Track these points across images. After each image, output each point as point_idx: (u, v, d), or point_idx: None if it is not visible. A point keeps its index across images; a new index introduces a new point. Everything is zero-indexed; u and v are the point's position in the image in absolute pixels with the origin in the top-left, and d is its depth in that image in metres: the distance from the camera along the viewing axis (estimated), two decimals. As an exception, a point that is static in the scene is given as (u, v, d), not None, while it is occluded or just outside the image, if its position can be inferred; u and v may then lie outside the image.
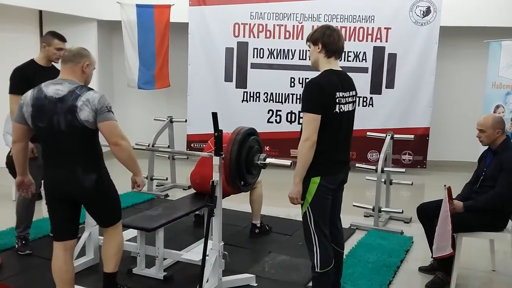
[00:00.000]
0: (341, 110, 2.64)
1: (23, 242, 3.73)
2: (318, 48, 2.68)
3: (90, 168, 2.62)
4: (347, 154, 2.83)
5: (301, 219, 2.74)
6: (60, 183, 2.62)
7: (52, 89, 2.55)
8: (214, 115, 2.93)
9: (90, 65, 2.69)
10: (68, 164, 2.58)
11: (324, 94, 2.55)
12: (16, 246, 3.73)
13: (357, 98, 2.90)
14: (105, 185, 2.72)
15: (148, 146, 5.45)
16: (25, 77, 3.50)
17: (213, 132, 2.95)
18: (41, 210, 4.73)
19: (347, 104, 2.69)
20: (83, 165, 2.60)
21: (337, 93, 2.61)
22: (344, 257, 3.22)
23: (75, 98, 2.51)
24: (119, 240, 2.86)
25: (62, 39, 3.70)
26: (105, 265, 2.86)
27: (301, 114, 2.63)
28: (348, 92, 2.69)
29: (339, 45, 2.68)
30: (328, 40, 2.65)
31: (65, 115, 2.50)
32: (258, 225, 4.28)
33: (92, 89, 2.61)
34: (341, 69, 2.74)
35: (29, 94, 2.60)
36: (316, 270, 2.69)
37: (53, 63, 3.75)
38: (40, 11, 6.90)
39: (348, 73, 2.81)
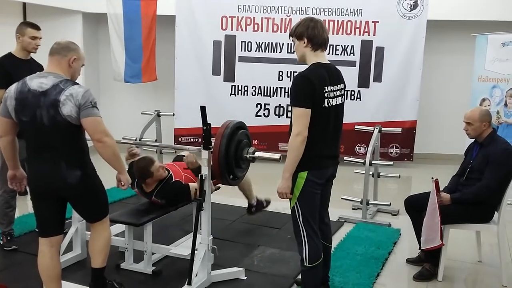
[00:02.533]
0: (329, 104, 2.61)
1: (8, 238, 3.68)
2: (304, 43, 2.63)
3: (74, 164, 2.57)
4: (336, 148, 2.81)
5: (290, 213, 2.73)
6: (43, 178, 2.57)
7: (36, 82, 2.50)
8: (203, 109, 2.90)
9: (78, 59, 2.63)
10: (52, 159, 2.54)
11: (313, 88, 2.52)
12: (1, 242, 3.68)
13: (346, 91, 2.86)
14: (91, 181, 2.67)
15: (135, 140, 5.40)
16: (4, 71, 3.43)
17: (201, 126, 2.92)
18: (26, 206, 4.66)
19: (336, 98, 2.66)
20: (67, 161, 2.55)
21: (326, 88, 2.58)
22: (333, 249, 3.23)
23: (58, 92, 2.46)
24: (107, 235, 2.83)
25: (36, 27, 3.63)
26: (93, 260, 2.83)
27: (290, 108, 2.60)
28: (336, 86, 2.66)
29: (324, 36, 2.64)
30: (313, 33, 2.61)
31: (48, 109, 2.45)
32: (254, 203, 4.22)
33: (77, 84, 2.56)
34: (329, 62, 2.70)
35: (13, 87, 2.54)
36: (305, 264, 2.70)
37: (31, 55, 3.67)
38: (24, 3, 6.77)
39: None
